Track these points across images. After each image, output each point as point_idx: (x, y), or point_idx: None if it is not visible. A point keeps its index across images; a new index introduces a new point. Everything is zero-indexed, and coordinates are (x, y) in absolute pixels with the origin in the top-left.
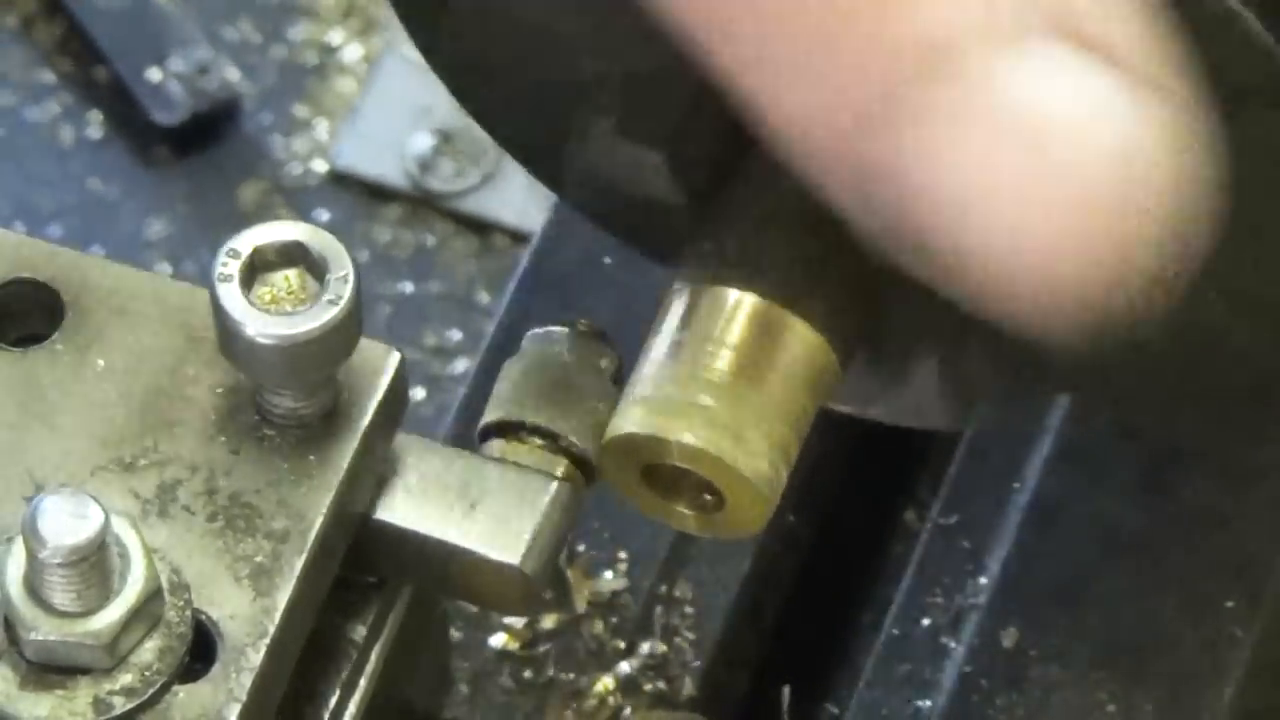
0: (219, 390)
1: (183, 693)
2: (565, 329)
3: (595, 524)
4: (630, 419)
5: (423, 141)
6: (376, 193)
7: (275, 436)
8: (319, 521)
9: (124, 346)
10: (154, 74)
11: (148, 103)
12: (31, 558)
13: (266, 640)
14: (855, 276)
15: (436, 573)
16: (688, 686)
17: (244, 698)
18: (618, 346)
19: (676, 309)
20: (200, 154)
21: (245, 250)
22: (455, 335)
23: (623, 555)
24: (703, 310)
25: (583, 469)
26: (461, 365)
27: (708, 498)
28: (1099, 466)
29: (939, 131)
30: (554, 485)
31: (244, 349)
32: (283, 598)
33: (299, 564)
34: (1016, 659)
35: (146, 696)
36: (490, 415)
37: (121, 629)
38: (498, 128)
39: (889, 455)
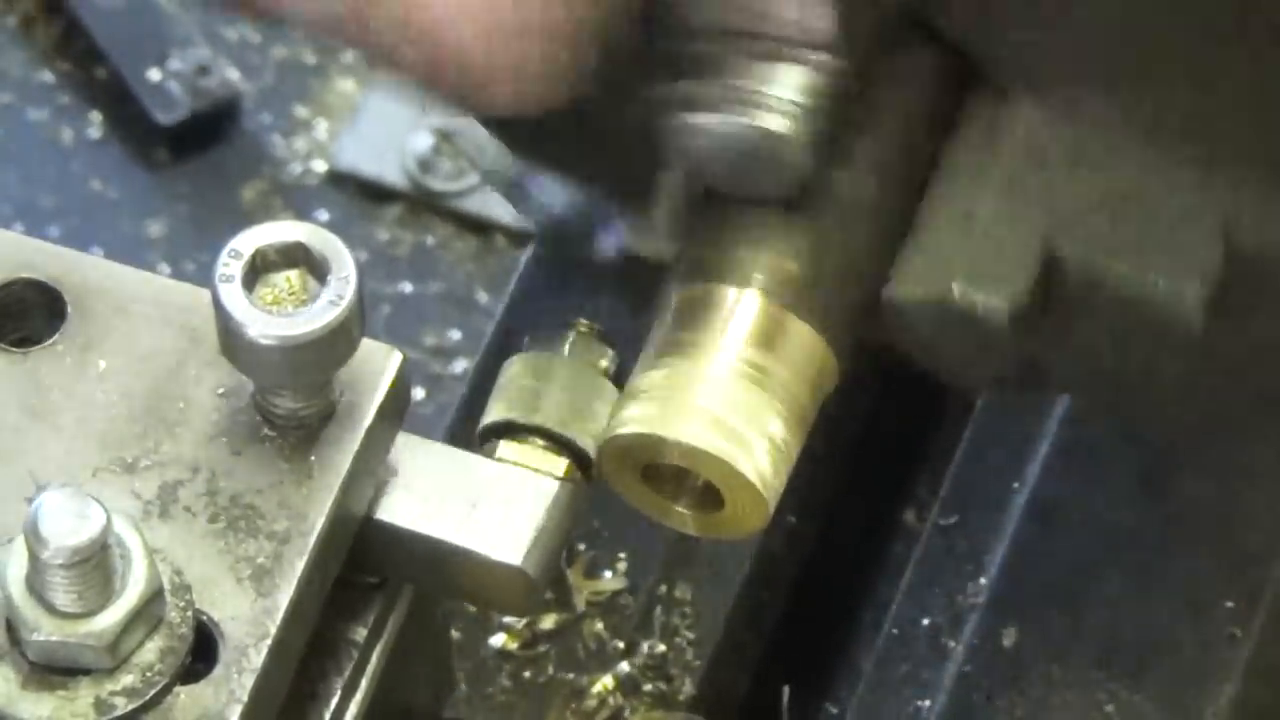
0: (220, 391)
1: (184, 693)
2: (566, 329)
3: (595, 524)
4: (630, 419)
5: (423, 141)
6: (376, 193)
7: (276, 437)
8: (320, 522)
9: (125, 347)
10: (154, 74)
11: (148, 103)
12: (33, 558)
13: (268, 641)
14: (854, 276)
15: (437, 573)
16: (688, 686)
17: (245, 698)
18: (618, 346)
19: (676, 308)
20: (200, 154)
21: (247, 251)
22: (455, 335)
23: (623, 555)
24: (703, 310)
25: (583, 469)
26: (461, 365)
27: (708, 498)
28: (1099, 466)
29: None
30: (554, 485)
31: (245, 350)
32: (284, 598)
33: (300, 565)
34: (1016, 659)
35: (148, 697)
36: (490, 415)
37: (123, 630)
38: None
39: (889, 455)
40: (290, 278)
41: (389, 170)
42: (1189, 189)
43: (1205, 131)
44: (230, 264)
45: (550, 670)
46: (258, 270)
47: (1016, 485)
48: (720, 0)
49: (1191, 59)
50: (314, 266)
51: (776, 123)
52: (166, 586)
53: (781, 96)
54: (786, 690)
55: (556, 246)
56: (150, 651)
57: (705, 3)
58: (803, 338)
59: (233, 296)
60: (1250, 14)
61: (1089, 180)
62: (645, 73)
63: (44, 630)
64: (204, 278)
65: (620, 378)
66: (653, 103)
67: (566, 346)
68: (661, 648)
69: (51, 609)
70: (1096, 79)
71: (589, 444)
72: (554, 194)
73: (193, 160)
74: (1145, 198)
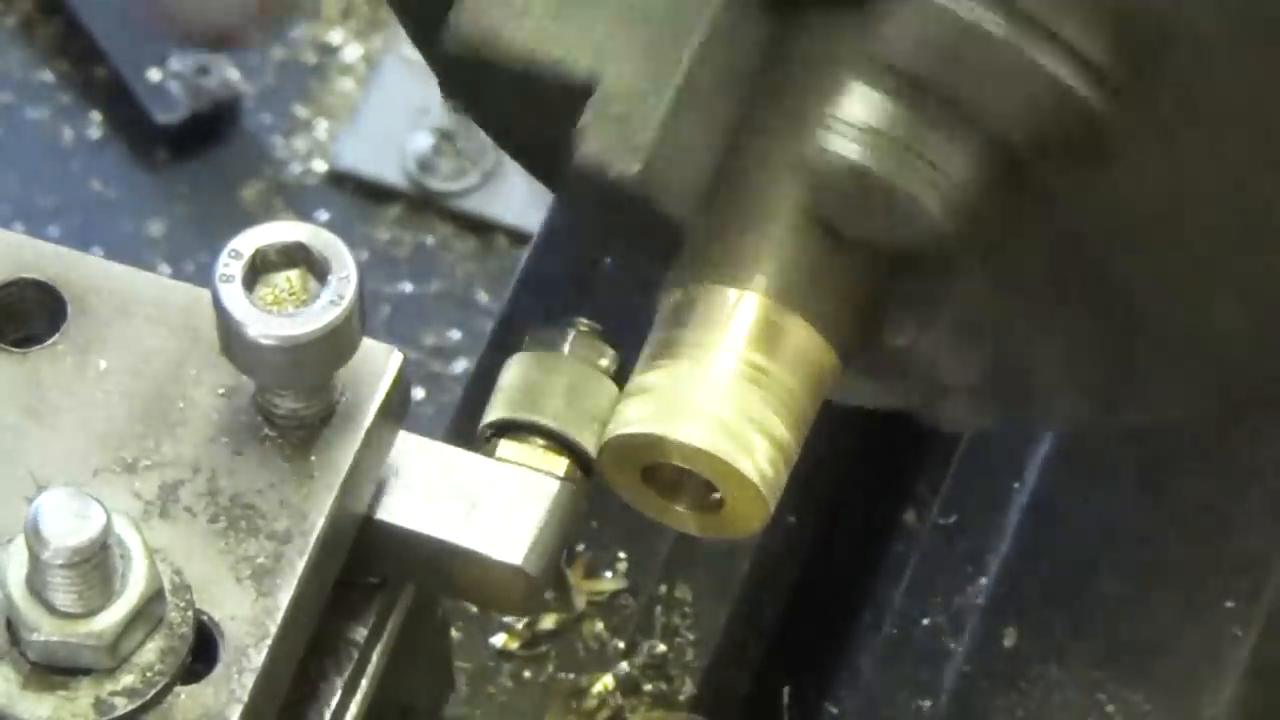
0: (220, 391)
1: (184, 694)
2: (565, 328)
3: (595, 524)
4: (630, 419)
5: (423, 141)
6: (376, 193)
7: (277, 437)
8: (321, 522)
9: (126, 347)
10: (154, 74)
11: (148, 103)
12: (33, 558)
13: (268, 641)
14: (856, 276)
15: (437, 573)
16: (688, 686)
17: (246, 698)
18: (618, 346)
19: (676, 308)
20: (200, 154)
21: (247, 251)
22: (455, 335)
23: (623, 555)
24: (703, 310)
25: (583, 468)
26: (461, 365)
27: (708, 498)
28: (1099, 466)
29: None
30: (555, 485)
31: (246, 350)
32: (284, 598)
33: (301, 565)
34: (1016, 659)
35: (148, 697)
36: (491, 415)
37: (123, 630)
38: (499, 130)
39: (889, 455)
40: (290, 278)
41: (389, 170)
42: None
43: None
44: (230, 264)
45: (550, 670)
46: (258, 270)
47: (1016, 485)
48: None
49: None
50: (314, 266)
51: (922, 191)
52: (166, 586)
53: (936, 164)
54: (786, 690)
55: (557, 247)
56: (150, 651)
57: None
58: (803, 338)
59: (233, 296)
60: None
61: None
62: None
63: (44, 630)
64: (204, 278)
65: (621, 377)
66: None
67: (566, 346)
68: (661, 648)
69: (52, 609)
70: None
71: (589, 443)
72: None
73: (193, 160)
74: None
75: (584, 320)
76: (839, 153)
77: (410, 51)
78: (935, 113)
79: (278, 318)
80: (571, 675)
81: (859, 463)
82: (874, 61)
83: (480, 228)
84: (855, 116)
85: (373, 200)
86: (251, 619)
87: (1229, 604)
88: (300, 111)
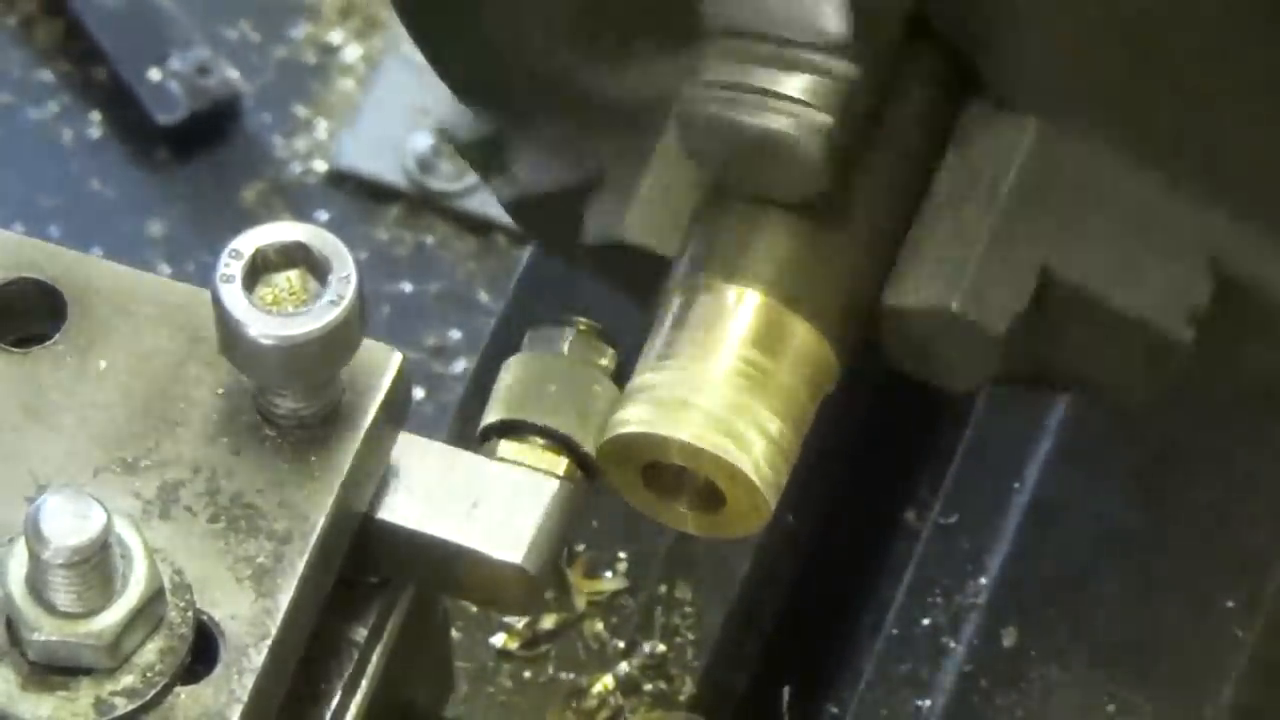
0: (220, 391)
1: (184, 694)
2: (565, 328)
3: (595, 524)
4: (630, 418)
5: (423, 141)
6: (376, 193)
7: (277, 437)
8: (321, 522)
9: (126, 347)
10: (154, 74)
11: (148, 103)
12: (34, 558)
13: (268, 641)
14: (855, 275)
15: (438, 572)
16: (688, 686)
17: (245, 698)
18: (618, 344)
19: (676, 308)
20: (200, 154)
21: (247, 251)
22: (455, 335)
23: (623, 555)
24: (703, 309)
25: (584, 468)
26: (461, 365)
27: (707, 497)
28: (1099, 466)
29: None
30: (555, 484)
31: (246, 350)
32: (284, 598)
33: (301, 565)
34: (1016, 659)
35: (148, 697)
36: (491, 415)
37: (123, 630)
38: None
39: (889, 455)
40: (290, 278)
41: (389, 170)
42: (1185, 220)
43: (1204, 162)
44: (231, 264)
45: (550, 670)
46: (258, 270)
47: (1016, 485)
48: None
49: (1192, 82)
50: (314, 266)
51: (783, 123)
52: (166, 586)
53: (793, 98)
54: (786, 690)
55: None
56: (150, 651)
57: (718, 2)
58: (803, 337)
59: (233, 296)
60: (1251, 41)
61: (1089, 205)
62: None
63: (44, 630)
64: (204, 278)
65: (620, 377)
66: (670, 99)
67: (566, 345)
68: (661, 648)
69: (52, 609)
70: (1098, 99)
71: (589, 443)
72: (538, 171)
73: (193, 160)
74: (1142, 229)
75: (584, 320)
76: (707, 111)
77: (410, 51)
78: (779, 53)
79: (278, 318)
80: (571, 675)
81: (859, 463)
82: (719, 29)
83: (480, 228)
84: (715, 77)
85: (373, 200)
86: (251, 619)
87: (1229, 604)
88: (300, 111)
